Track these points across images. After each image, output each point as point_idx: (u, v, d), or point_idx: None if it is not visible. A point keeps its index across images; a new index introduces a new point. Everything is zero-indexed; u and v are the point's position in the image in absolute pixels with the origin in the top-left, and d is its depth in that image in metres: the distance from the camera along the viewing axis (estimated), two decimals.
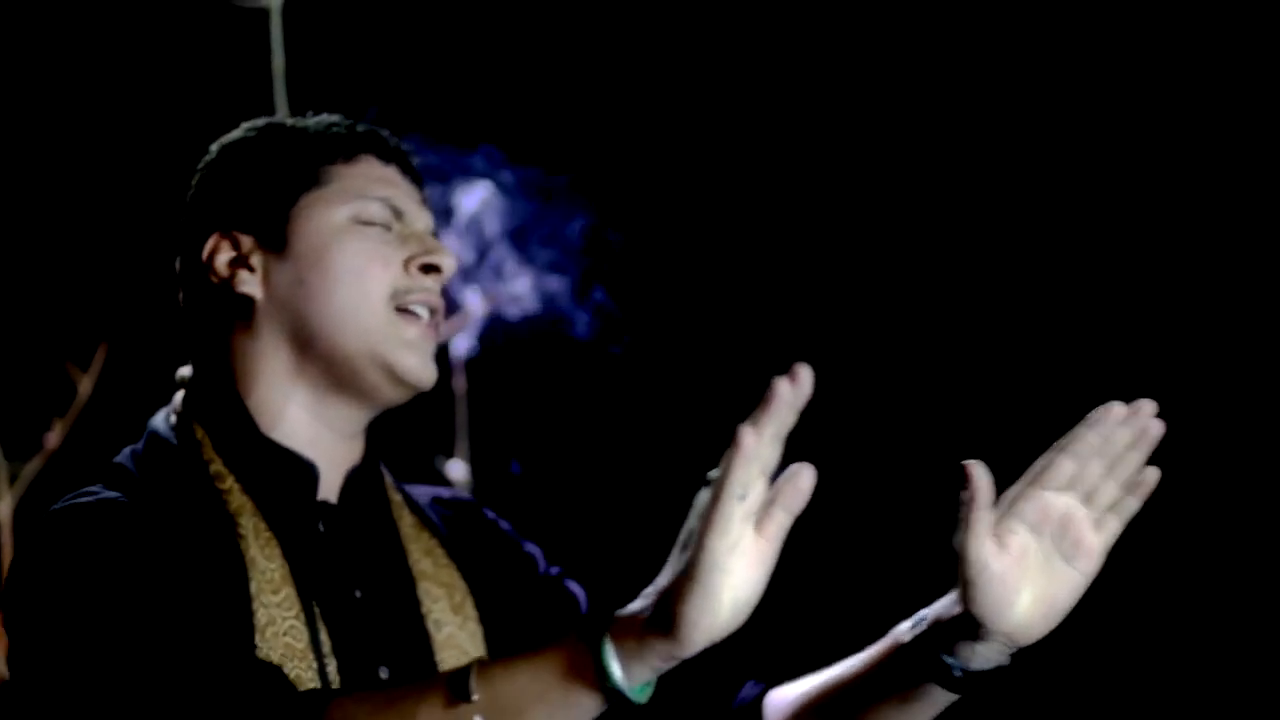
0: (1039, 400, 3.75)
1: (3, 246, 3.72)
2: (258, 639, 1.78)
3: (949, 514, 1.78)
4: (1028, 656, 1.82)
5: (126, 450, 1.90)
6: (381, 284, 1.88)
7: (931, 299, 3.88)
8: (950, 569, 1.78)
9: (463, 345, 3.64)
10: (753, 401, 1.63)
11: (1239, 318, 3.76)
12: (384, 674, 1.86)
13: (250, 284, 1.89)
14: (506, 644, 1.98)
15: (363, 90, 3.57)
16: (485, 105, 3.71)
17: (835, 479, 1.79)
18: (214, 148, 1.97)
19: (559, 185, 3.54)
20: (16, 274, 3.72)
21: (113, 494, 1.81)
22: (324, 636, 1.82)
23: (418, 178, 1.98)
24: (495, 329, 3.62)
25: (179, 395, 1.92)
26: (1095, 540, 1.78)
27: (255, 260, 1.90)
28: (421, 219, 1.95)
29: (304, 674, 1.79)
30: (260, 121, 1.97)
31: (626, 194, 3.81)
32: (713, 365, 3.82)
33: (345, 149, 1.93)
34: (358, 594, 1.88)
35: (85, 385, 3.51)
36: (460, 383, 3.67)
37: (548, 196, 3.59)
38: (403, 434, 2.21)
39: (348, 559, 1.89)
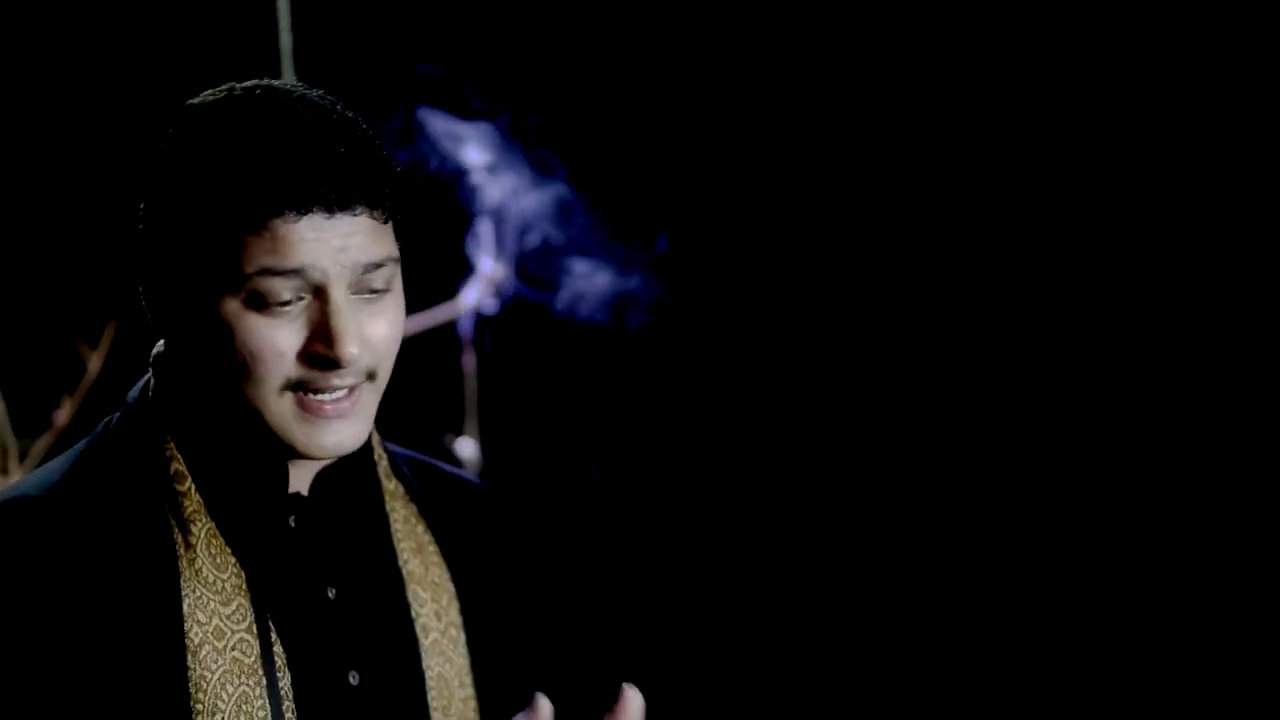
0: (1037, 402, 3.76)
1: (11, 225, 3.72)
2: (190, 661, 1.73)
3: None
4: (1026, 656, 1.81)
5: (100, 428, 1.85)
6: (274, 375, 1.75)
7: (929, 299, 3.89)
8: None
9: (471, 322, 3.64)
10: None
11: (1239, 318, 3.76)
12: (354, 679, 1.81)
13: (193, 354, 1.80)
14: (491, 656, 1.94)
15: (372, 69, 3.57)
16: (498, 84, 3.70)
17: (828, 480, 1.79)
18: (159, 159, 1.79)
19: (571, 158, 3.54)
20: (25, 252, 3.73)
21: (35, 498, 1.75)
22: (278, 648, 1.77)
23: (349, 193, 1.75)
24: (506, 303, 3.62)
25: (150, 376, 1.87)
26: None
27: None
28: (337, 271, 1.75)
29: (251, 690, 1.75)
30: (201, 137, 1.78)
31: (641, 171, 3.81)
32: (721, 346, 3.82)
33: (252, 218, 1.73)
34: (331, 594, 1.83)
35: (94, 363, 3.52)
36: (470, 360, 3.67)
37: (560, 170, 3.59)
38: (411, 412, 2.18)
39: (322, 556, 1.84)
